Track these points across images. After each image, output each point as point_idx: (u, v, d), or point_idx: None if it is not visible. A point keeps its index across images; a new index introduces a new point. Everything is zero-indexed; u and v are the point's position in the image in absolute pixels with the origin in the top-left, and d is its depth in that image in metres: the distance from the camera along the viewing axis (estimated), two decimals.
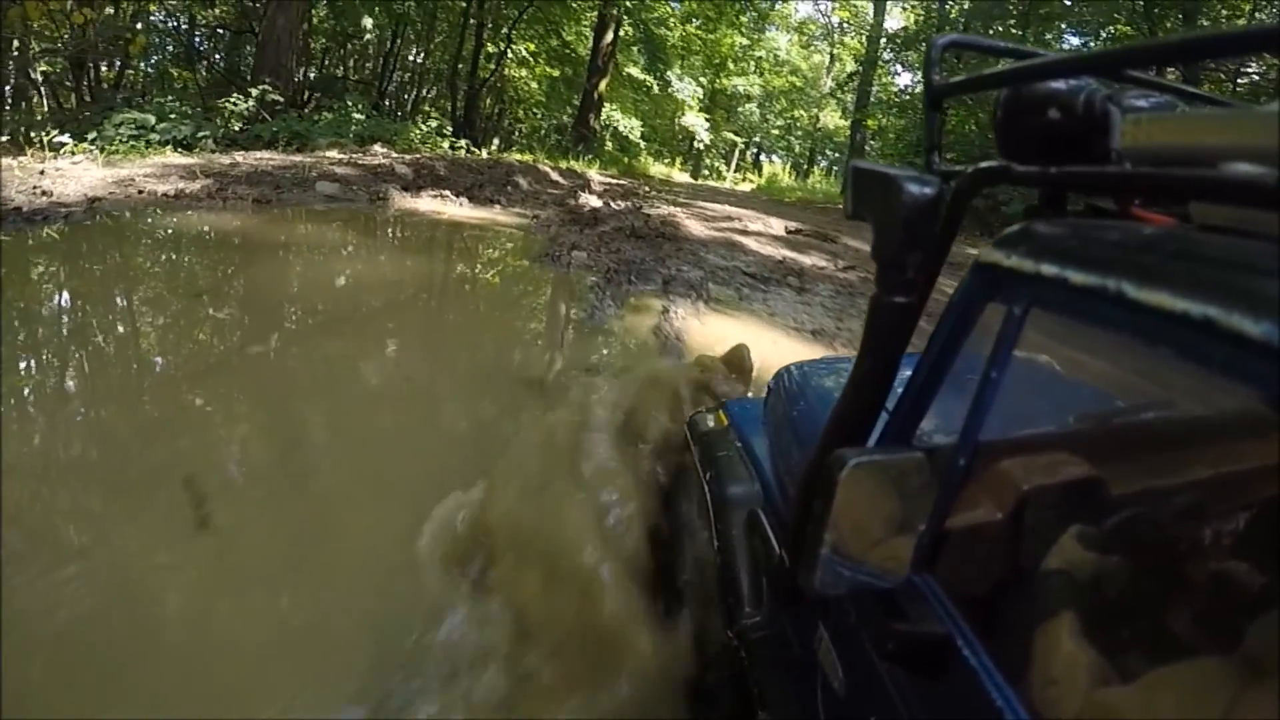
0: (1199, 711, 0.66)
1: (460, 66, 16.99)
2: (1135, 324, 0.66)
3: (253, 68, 12.42)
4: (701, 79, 23.97)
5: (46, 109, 12.21)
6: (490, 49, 17.69)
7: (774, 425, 1.73)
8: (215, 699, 1.67)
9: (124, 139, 8.72)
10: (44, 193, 6.04)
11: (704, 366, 3.40)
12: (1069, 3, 15.76)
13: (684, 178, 22.33)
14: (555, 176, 12.67)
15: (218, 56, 15.82)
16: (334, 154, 10.25)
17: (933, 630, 0.83)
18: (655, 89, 21.48)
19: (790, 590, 1.07)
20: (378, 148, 11.23)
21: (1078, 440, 1.01)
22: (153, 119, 9.28)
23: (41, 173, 6.75)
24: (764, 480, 1.63)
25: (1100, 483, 0.88)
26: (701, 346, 4.13)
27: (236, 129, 10.36)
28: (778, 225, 10.54)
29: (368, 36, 16.80)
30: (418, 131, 13.33)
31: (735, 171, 28.67)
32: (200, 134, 9.59)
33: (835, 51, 29.49)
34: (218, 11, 15.29)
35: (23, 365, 3.27)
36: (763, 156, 31.91)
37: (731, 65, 25.87)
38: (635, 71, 20.96)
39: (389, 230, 7.35)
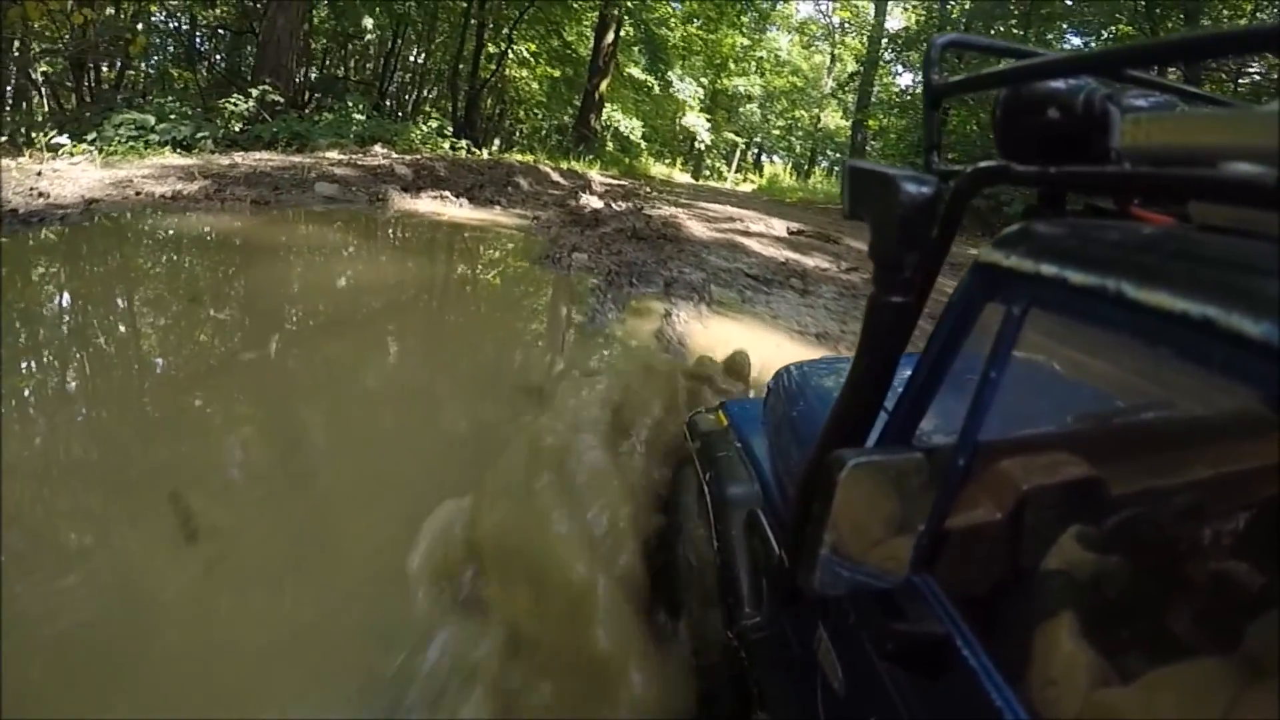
0: (1199, 711, 0.66)
1: (461, 67, 16.99)
2: (1135, 324, 0.66)
3: (253, 68, 12.43)
4: (702, 79, 23.98)
5: (47, 109, 12.23)
6: (491, 49, 17.69)
7: (773, 425, 1.72)
8: None
9: (123, 140, 8.73)
10: (41, 194, 6.03)
11: (703, 367, 3.41)
12: (1070, 3, 15.76)
13: (685, 178, 22.32)
14: (556, 177, 12.65)
15: (218, 57, 15.82)
16: (334, 155, 10.25)
17: (932, 630, 0.83)
18: (656, 89, 21.48)
19: (790, 590, 1.07)
20: (378, 148, 11.23)
21: (1077, 440, 1.01)
22: (152, 119, 9.30)
23: (39, 174, 6.74)
24: (763, 480, 1.63)
25: (1100, 483, 0.88)
26: (704, 350, 4.09)
27: (237, 130, 10.36)
28: (779, 226, 10.50)
29: (368, 37, 16.81)
30: (418, 132, 13.33)
31: (736, 172, 28.66)
32: (200, 135, 9.60)
33: (836, 52, 29.51)
34: (218, 12, 15.30)
35: (12, 369, 3.23)
36: (764, 157, 31.90)
37: (732, 65, 25.86)
38: (636, 72, 20.98)
39: (388, 232, 7.31)
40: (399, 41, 17.29)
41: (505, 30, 17.42)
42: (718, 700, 1.56)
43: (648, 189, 14.06)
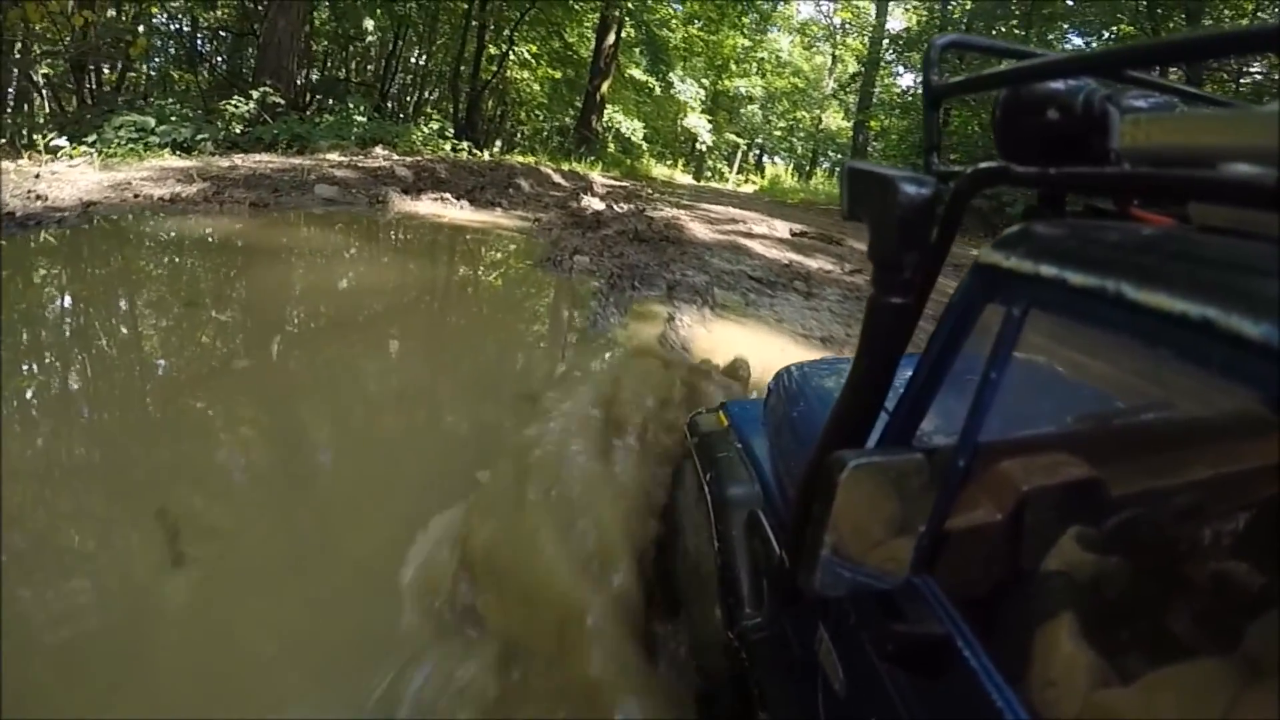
0: (1199, 712, 0.66)
1: (462, 68, 17.02)
2: (1134, 325, 0.66)
3: (254, 70, 12.45)
4: (704, 80, 24.01)
5: (48, 112, 12.25)
6: (492, 51, 17.71)
7: (774, 426, 1.73)
8: None
9: (123, 142, 8.73)
10: (39, 197, 6.02)
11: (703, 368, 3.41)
12: (1071, 3, 15.76)
13: (686, 179, 22.34)
14: (557, 179, 12.65)
15: (220, 59, 15.85)
16: (334, 156, 10.25)
17: (932, 631, 0.83)
18: (657, 90, 21.49)
19: (790, 591, 1.07)
20: (379, 150, 11.24)
21: (1077, 441, 1.01)
22: (153, 121, 9.31)
23: (37, 176, 6.73)
24: (764, 481, 1.63)
25: (1100, 484, 0.88)
26: (708, 355, 4.05)
27: (237, 131, 10.38)
28: (782, 227, 10.48)
29: (369, 39, 16.84)
30: (419, 133, 13.35)
31: (738, 173, 28.67)
32: (200, 137, 9.60)
33: (837, 53, 29.51)
34: (220, 14, 15.32)
35: (2, 373, 3.16)
36: (765, 158, 31.91)
37: (734, 66, 25.89)
38: (637, 73, 21.00)
39: (387, 234, 7.29)
40: (400, 43, 17.32)
41: (506, 32, 17.46)
42: (718, 701, 1.56)
43: (649, 190, 14.06)
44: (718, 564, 1.60)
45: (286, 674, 1.83)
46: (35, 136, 8.36)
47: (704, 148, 26.37)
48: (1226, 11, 13.53)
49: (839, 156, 29.17)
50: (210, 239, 5.96)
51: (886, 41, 22.01)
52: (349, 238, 6.80)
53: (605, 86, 18.92)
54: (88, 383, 3.35)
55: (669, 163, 23.65)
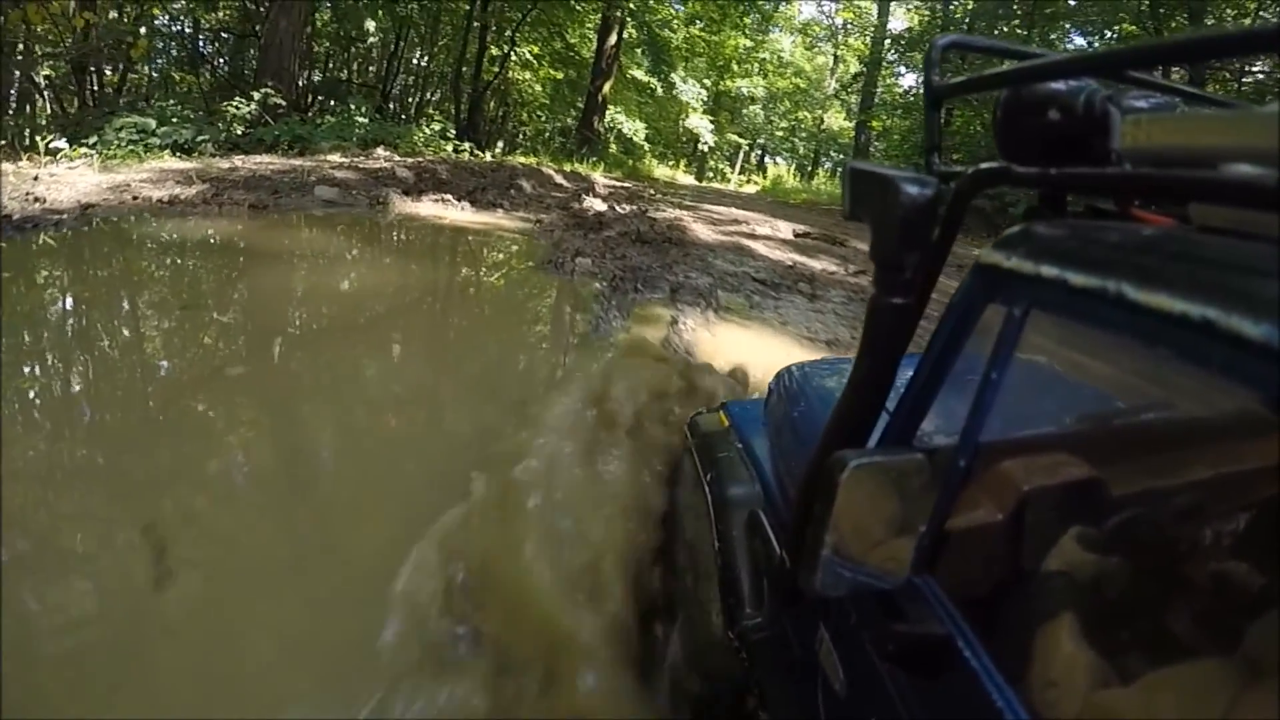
0: (1199, 712, 0.66)
1: (464, 69, 17.03)
2: (1135, 325, 0.66)
3: (255, 71, 12.48)
4: (705, 81, 24.02)
5: (50, 113, 12.28)
6: (494, 52, 17.72)
7: (774, 426, 1.73)
8: None
9: (123, 144, 8.72)
10: (37, 199, 6.00)
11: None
12: (1073, 3, 15.75)
13: (688, 180, 22.32)
14: (559, 179, 12.63)
15: (221, 60, 15.88)
16: (335, 158, 10.24)
17: (933, 631, 0.83)
18: (659, 91, 21.50)
19: (791, 591, 1.08)
20: (380, 151, 11.24)
21: (1078, 441, 1.01)
22: (153, 123, 9.31)
23: (35, 179, 6.72)
24: (764, 481, 1.63)
25: (1100, 484, 0.88)
26: (712, 359, 3.97)
27: (239, 133, 10.38)
28: (785, 228, 10.43)
29: (371, 40, 16.85)
30: (421, 134, 13.35)
31: (740, 173, 28.67)
32: (200, 138, 9.60)
33: (839, 53, 29.50)
34: (221, 15, 15.35)
35: None
36: (767, 158, 31.89)
37: (735, 67, 25.88)
38: (639, 74, 21.02)
39: (387, 236, 7.25)
40: (401, 44, 17.33)
41: (508, 33, 17.46)
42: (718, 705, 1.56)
43: (651, 191, 14.04)
44: (718, 564, 1.60)
45: (271, 691, 1.79)
46: (36, 138, 8.36)
47: (706, 148, 26.36)
48: (1229, 11, 13.51)
49: (841, 157, 29.17)
50: (208, 241, 5.93)
51: (888, 42, 22.02)
52: (348, 240, 6.76)
53: (607, 87, 18.93)
54: (79, 387, 3.32)
55: (671, 163, 23.64)
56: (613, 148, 20.03)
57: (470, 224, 7.97)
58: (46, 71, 12.18)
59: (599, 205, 9.98)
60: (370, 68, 18.48)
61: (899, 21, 23.64)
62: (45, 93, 12.61)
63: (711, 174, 27.48)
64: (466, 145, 13.72)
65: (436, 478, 2.70)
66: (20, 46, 11.26)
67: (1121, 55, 0.77)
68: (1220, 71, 12.70)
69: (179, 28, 15.30)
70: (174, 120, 9.74)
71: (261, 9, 13.47)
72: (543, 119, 21.16)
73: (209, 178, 7.69)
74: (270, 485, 2.73)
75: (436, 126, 14.33)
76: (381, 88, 17.07)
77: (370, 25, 15.48)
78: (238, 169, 8.52)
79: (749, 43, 25.38)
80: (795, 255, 8.32)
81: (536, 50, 18.81)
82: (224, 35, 15.80)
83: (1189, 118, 0.79)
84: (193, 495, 2.54)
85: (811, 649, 1.13)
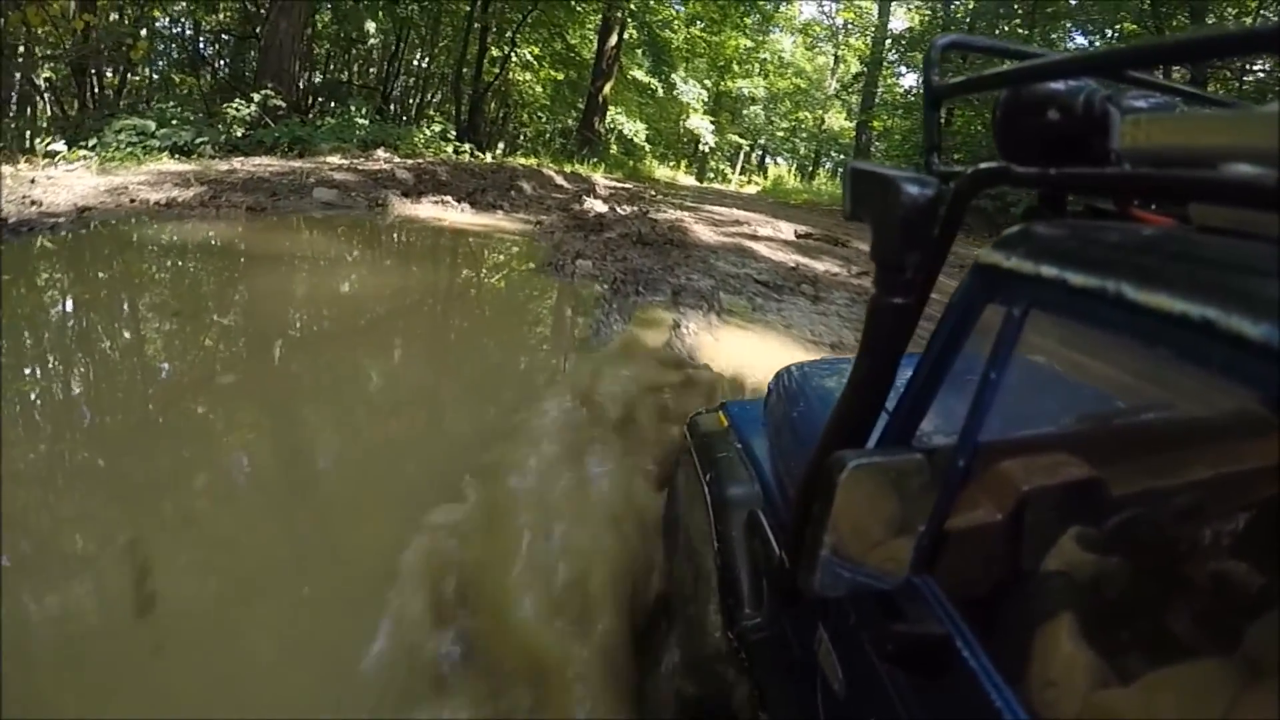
0: (1198, 712, 0.66)
1: (464, 71, 17.05)
2: (1135, 325, 0.66)
3: (255, 73, 12.49)
4: (706, 81, 24.04)
5: (50, 115, 12.29)
6: (495, 53, 17.74)
7: (774, 426, 1.72)
8: None
9: (123, 146, 8.72)
10: (34, 202, 5.99)
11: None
12: (1074, 2, 15.75)
13: (689, 181, 22.33)
14: (560, 181, 12.63)
15: (222, 62, 15.90)
16: (335, 159, 10.24)
17: (932, 631, 0.83)
18: (660, 92, 21.51)
19: (790, 591, 1.07)
20: (380, 152, 11.25)
21: (1077, 441, 1.01)
22: (153, 125, 9.31)
23: (33, 181, 6.70)
24: (764, 481, 1.63)
25: (1100, 484, 0.88)
26: (715, 363, 3.93)
27: (239, 135, 10.39)
28: (787, 229, 10.40)
29: (371, 41, 16.86)
30: (421, 136, 13.37)
31: (740, 174, 28.69)
32: (199, 140, 9.59)
33: (840, 53, 29.51)
34: (221, 17, 15.37)
35: None
36: (768, 159, 31.91)
37: (736, 67, 25.91)
38: (640, 74, 21.04)
39: (386, 239, 7.20)
40: (402, 45, 17.35)
41: (509, 34, 17.49)
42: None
43: (652, 192, 14.03)
44: (717, 564, 1.60)
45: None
46: (35, 141, 8.36)
47: (706, 149, 26.39)
48: (1230, 10, 13.50)
49: (842, 157, 29.15)
50: (204, 244, 5.89)
51: (889, 41, 22.02)
52: (346, 242, 6.72)
53: (608, 88, 18.93)
54: (67, 392, 3.29)
55: (671, 164, 23.66)
56: (613, 149, 20.04)
57: (470, 226, 7.93)
58: (47, 74, 12.20)
59: (600, 206, 9.97)
60: (371, 69, 18.49)
61: (899, 21, 23.67)
62: (45, 95, 12.63)
63: (712, 175, 27.48)
64: (467, 146, 13.73)
65: (429, 486, 2.60)
66: (21, 49, 11.26)
67: (1121, 55, 0.77)
68: (1221, 71, 12.70)
69: (179, 29, 15.32)
70: (174, 122, 9.74)
71: (262, 11, 13.49)
72: (543, 120, 21.18)
73: (207, 180, 7.68)
74: (260, 492, 2.69)
75: (437, 128, 14.34)
76: (382, 89, 17.09)
77: (370, 27, 15.50)
78: (236, 171, 8.52)
79: (750, 43, 25.41)
80: (797, 256, 8.27)
81: (537, 51, 18.83)
82: (224, 37, 15.82)
83: (1188, 118, 0.79)
84: (179, 504, 2.50)
85: (810, 649, 1.13)
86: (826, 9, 29.45)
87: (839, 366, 1.86)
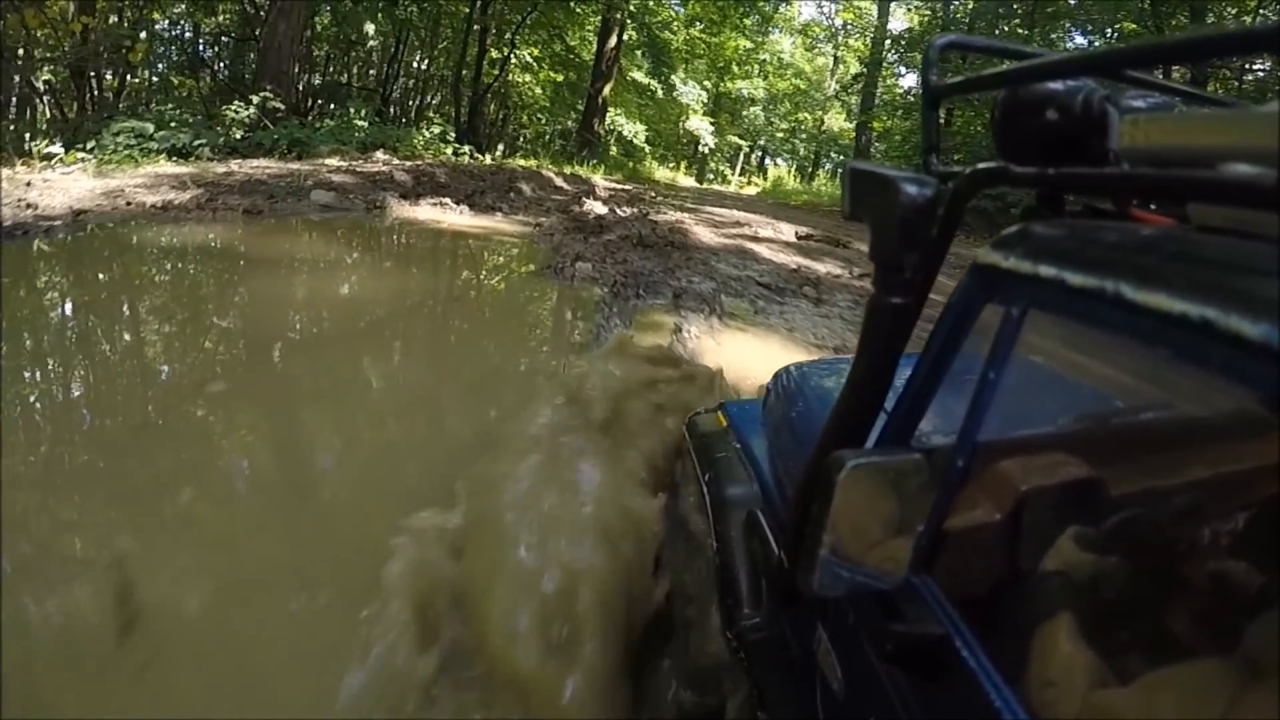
0: (1198, 712, 0.66)
1: (464, 72, 17.06)
2: (1133, 325, 0.66)
3: (254, 75, 12.49)
4: (706, 83, 24.06)
5: (50, 118, 12.29)
6: (494, 55, 17.76)
7: (772, 426, 1.73)
8: None
9: (121, 148, 8.70)
10: (29, 205, 5.97)
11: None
12: (1074, 2, 15.76)
13: (689, 182, 22.34)
14: (559, 182, 12.61)
15: (221, 64, 15.91)
16: (333, 161, 10.24)
17: (931, 631, 0.83)
18: (659, 93, 21.53)
19: (789, 591, 1.08)
20: (379, 154, 11.27)
21: (1076, 441, 1.01)
22: (151, 127, 9.29)
23: (28, 184, 6.69)
24: (763, 481, 1.63)
25: (1098, 484, 0.88)
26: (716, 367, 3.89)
27: (238, 137, 10.38)
28: (788, 230, 10.38)
29: (371, 43, 16.87)
30: (421, 138, 13.38)
31: (740, 175, 28.71)
32: (197, 142, 9.57)
33: (839, 54, 29.52)
34: (221, 19, 15.38)
35: None
36: (768, 160, 31.92)
37: (735, 69, 25.94)
38: (639, 76, 21.06)
39: (383, 241, 7.16)
40: (401, 47, 17.36)
41: (508, 35, 17.52)
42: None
43: (652, 193, 14.01)
44: (716, 564, 1.59)
45: None
46: (32, 143, 8.33)
47: (706, 150, 26.41)
48: (1230, 9, 13.51)
49: (841, 158, 29.13)
50: (199, 247, 5.84)
51: (889, 42, 22.04)
52: (343, 245, 6.67)
53: (607, 89, 18.95)
54: (54, 397, 3.25)
55: (671, 165, 23.67)
56: (613, 150, 20.06)
57: (469, 228, 7.90)
58: (46, 76, 12.20)
59: (599, 208, 9.96)
60: (370, 71, 18.49)
61: (899, 22, 23.68)
62: (45, 98, 12.63)
63: (712, 176, 27.51)
64: (466, 148, 13.75)
65: (421, 492, 2.50)
66: (20, 51, 11.26)
67: (1120, 55, 0.77)
68: (1221, 70, 12.71)
69: (178, 32, 15.33)
70: (172, 125, 9.73)
71: (261, 13, 13.49)
72: (543, 122, 21.19)
73: (204, 182, 7.66)
74: (251, 498, 2.66)
75: (436, 129, 14.36)
76: (381, 91, 17.10)
77: (370, 28, 15.50)
78: (234, 173, 8.51)
79: (749, 44, 25.43)
80: (799, 258, 8.24)
81: (536, 53, 18.86)
82: (224, 39, 15.83)
83: (1187, 117, 0.79)
84: (167, 510, 2.45)
85: (810, 649, 1.13)
86: (826, 10, 29.48)
87: (837, 366, 1.86)
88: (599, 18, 18.56)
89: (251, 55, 14.15)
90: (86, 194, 6.65)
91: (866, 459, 0.84)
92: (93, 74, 12.15)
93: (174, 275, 5.33)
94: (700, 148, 25.92)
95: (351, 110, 13.10)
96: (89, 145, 8.54)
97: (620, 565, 1.86)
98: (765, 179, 25.62)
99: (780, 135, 31.43)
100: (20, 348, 3.69)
